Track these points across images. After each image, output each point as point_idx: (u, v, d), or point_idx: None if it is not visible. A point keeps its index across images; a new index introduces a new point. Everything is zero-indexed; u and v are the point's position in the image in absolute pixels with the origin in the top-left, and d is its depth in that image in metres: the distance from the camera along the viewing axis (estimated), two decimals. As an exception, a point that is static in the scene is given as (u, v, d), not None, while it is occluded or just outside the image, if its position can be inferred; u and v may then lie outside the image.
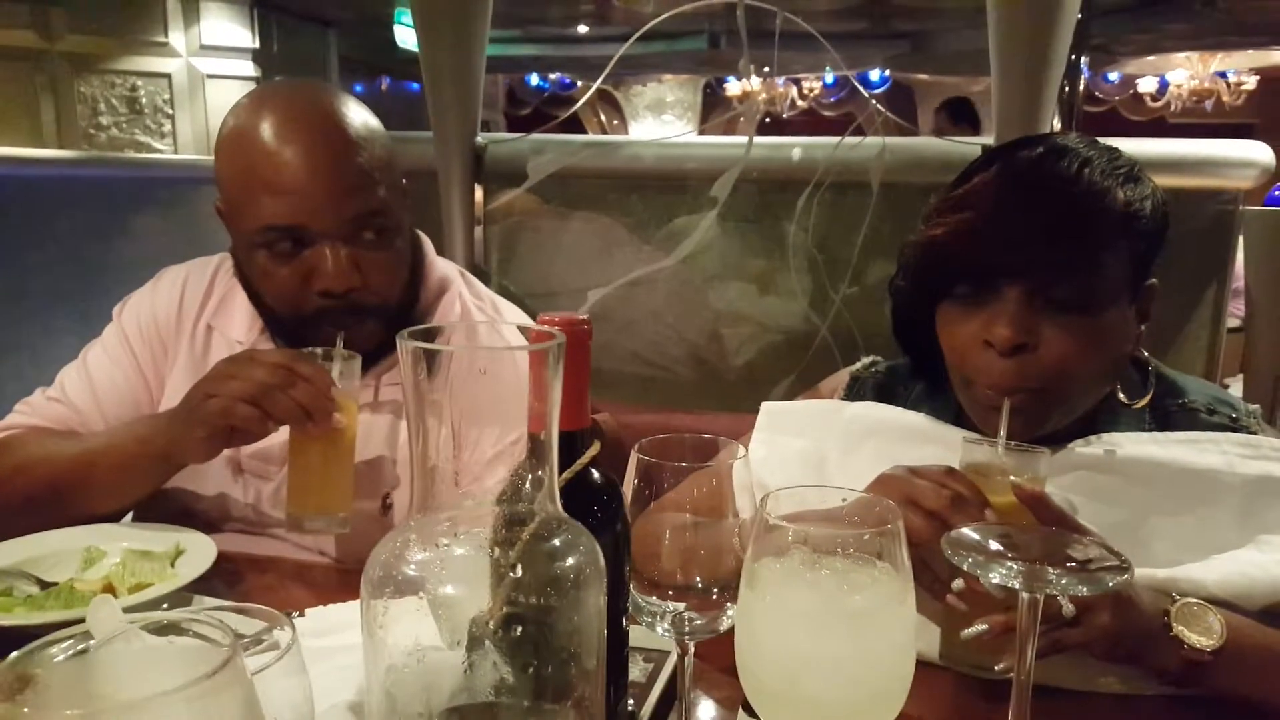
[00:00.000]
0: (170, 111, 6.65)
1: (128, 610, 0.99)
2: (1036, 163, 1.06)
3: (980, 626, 0.91)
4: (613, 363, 2.30)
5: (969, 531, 0.66)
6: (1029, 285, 1.03)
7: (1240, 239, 2.05)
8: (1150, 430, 1.12)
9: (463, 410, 0.56)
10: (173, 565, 1.21)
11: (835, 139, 2.06)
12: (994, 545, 0.64)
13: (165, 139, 6.68)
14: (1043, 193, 1.04)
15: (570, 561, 0.55)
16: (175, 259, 1.56)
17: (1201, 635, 0.92)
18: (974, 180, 1.09)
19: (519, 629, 0.53)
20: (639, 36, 2.23)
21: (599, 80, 2.59)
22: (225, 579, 1.21)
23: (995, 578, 0.61)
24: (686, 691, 0.83)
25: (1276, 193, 2.12)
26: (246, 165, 1.28)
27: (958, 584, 0.94)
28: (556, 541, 0.55)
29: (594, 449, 0.71)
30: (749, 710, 0.90)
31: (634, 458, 0.79)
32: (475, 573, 0.55)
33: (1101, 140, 1.10)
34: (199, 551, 1.21)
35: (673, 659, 1.01)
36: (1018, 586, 0.61)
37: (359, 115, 1.33)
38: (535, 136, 2.31)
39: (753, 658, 0.68)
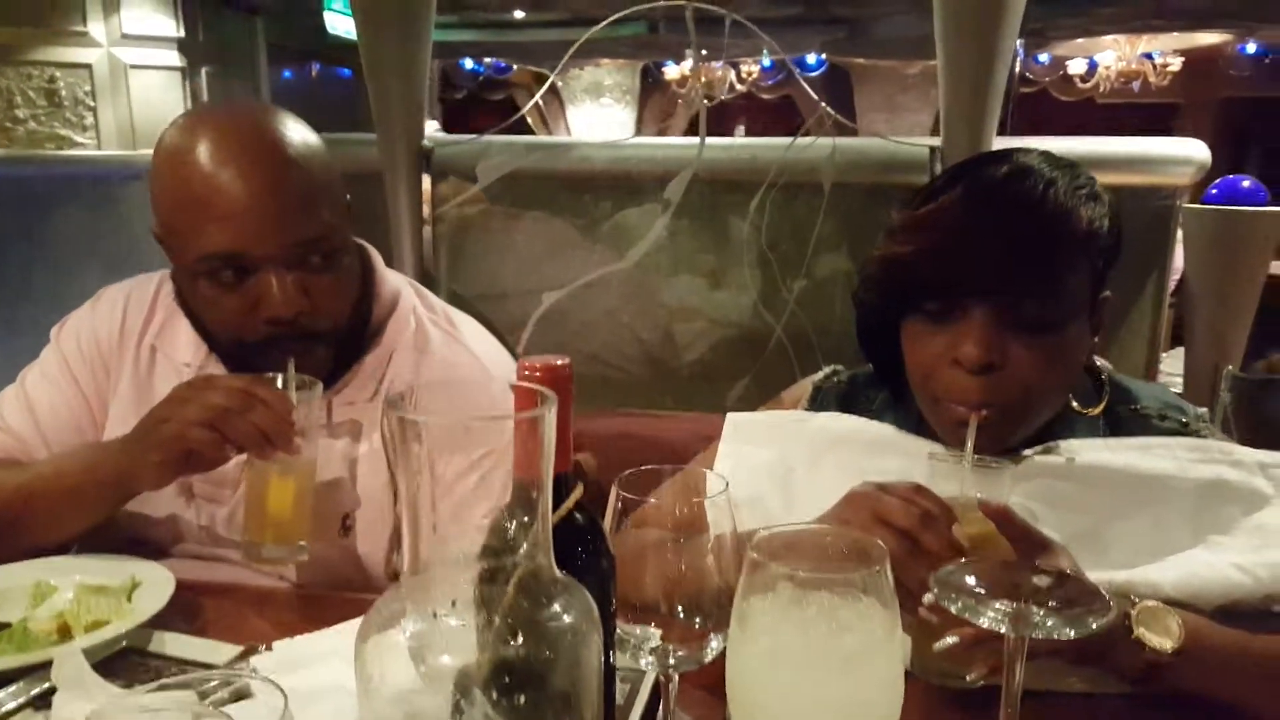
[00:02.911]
0: (92, 104, 6.40)
1: (87, 651, 0.97)
2: (1003, 184, 1.07)
3: (951, 639, 0.93)
4: (567, 365, 2.28)
5: (955, 572, 0.67)
6: (996, 305, 1.05)
7: (1180, 235, 2.13)
8: (1104, 436, 1.15)
9: (449, 472, 0.55)
10: (129, 599, 1.17)
11: (786, 140, 2.07)
12: (977, 585, 0.66)
13: (87, 132, 6.43)
14: (1011, 215, 1.06)
15: (569, 622, 0.55)
16: (101, 258, 1.50)
17: (1162, 637, 0.95)
18: (940, 199, 1.10)
19: (521, 697, 0.53)
20: (577, 23, 2.21)
21: (556, 70, 2.55)
22: (182, 610, 1.16)
23: (985, 622, 0.62)
24: (670, 722, 0.83)
25: (1214, 191, 2.20)
26: (182, 191, 1.22)
27: (929, 598, 0.95)
28: (556, 606, 0.55)
29: (578, 492, 0.70)
30: (728, 729, 0.91)
31: (614, 493, 0.79)
32: (473, 645, 0.54)
33: (1057, 155, 1.12)
34: (156, 584, 1.18)
35: (650, 679, 1.01)
36: (1005, 630, 0.62)
37: (298, 134, 1.27)
38: (484, 138, 2.28)
39: (745, 698, 0.68)
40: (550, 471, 0.56)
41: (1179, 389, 2.41)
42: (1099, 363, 1.19)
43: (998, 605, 0.63)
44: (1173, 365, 2.54)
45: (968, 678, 0.97)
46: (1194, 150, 2.01)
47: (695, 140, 2.08)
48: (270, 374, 1.21)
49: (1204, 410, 1.19)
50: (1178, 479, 1.09)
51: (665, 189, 2.08)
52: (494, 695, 0.54)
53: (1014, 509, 0.97)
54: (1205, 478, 1.09)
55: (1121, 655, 0.96)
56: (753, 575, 0.67)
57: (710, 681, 0.93)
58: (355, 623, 1.07)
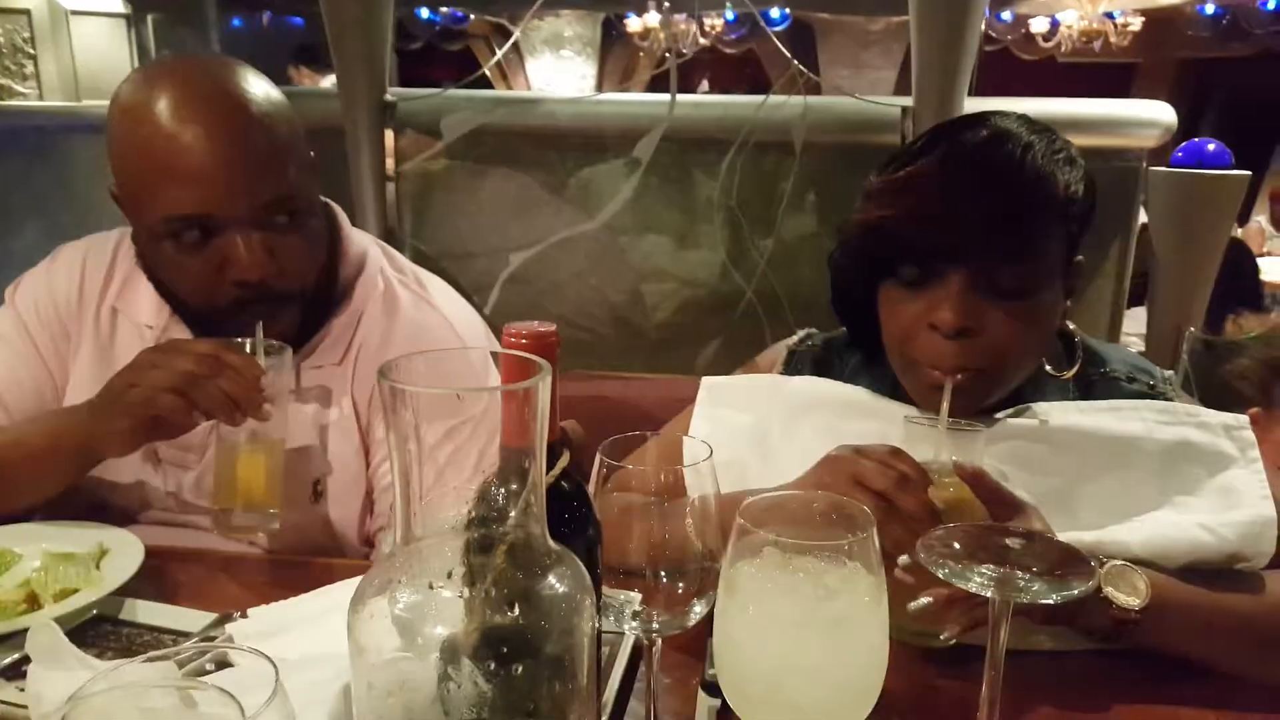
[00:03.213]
0: (32, 51, 6.16)
1: (57, 620, 0.95)
2: (982, 148, 1.07)
3: (926, 599, 0.94)
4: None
5: (939, 537, 0.68)
6: (973, 270, 1.05)
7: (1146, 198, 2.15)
8: (1074, 398, 1.17)
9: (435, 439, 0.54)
10: (97, 567, 1.15)
11: (757, 98, 2.05)
12: (961, 550, 0.67)
13: (28, 81, 6.19)
14: (990, 180, 1.05)
15: (565, 591, 0.55)
16: (46, 211, 1.45)
17: (1129, 595, 0.97)
18: (919, 163, 1.09)
19: (518, 667, 0.53)
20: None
21: (522, 24, 2.50)
22: (151, 576, 1.15)
23: (972, 586, 0.63)
24: (653, 687, 0.84)
25: (1179, 154, 2.22)
26: (143, 152, 1.17)
27: (904, 560, 0.96)
28: (551, 576, 0.55)
29: (564, 460, 0.70)
30: (708, 690, 0.92)
31: (598, 459, 0.78)
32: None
33: (1032, 119, 1.12)
34: (124, 551, 1.16)
35: (628, 642, 1.02)
36: (992, 595, 0.63)
37: (261, 89, 1.23)
38: (448, 93, 2.23)
39: (733, 663, 0.69)
40: (544, 441, 0.55)
41: (1138, 349, 2.46)
42: (1070, 326, 1.20)
43: (983, 570, 0.64)
44: (1131, 325, 2.59)
45: (941, 637, 0.99)
46: (1160, 112, 2.04)
47: (665, 97, 2.05)
48: (239, 339, 1.19)
49: (1171, 373, 1.21)
50: (1145, 441, 1.11)
51: (634, 147, 2.05)
52: (491, 665, 0.54)
53: (987, 471, 0.99)
54: (1172, 439, 1.11)
55: (1089, 613, 0.98)
56: (740, 542, 0.68)
57: (686, 643, 0.94)
58: (332, 589, 1.08)
